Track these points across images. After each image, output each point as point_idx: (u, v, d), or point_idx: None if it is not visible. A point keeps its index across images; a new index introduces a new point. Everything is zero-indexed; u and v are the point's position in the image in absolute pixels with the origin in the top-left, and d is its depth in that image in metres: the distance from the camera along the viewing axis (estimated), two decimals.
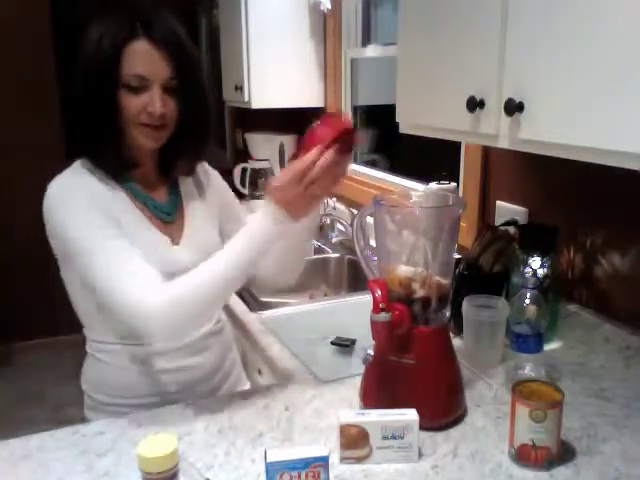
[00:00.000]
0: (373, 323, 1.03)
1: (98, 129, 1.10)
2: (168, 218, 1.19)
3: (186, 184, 1.26)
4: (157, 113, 1.08)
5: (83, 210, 1.08)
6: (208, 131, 1.22)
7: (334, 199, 2.45)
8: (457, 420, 1.09)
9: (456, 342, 1.38)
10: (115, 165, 1.13)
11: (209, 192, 1.29)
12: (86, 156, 1.13)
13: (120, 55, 1.05)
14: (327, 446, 0.89)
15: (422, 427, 0.98)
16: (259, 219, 1.06)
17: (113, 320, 1.16)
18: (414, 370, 1.06)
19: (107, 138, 1.11)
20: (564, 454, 0.99)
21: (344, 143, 1.05)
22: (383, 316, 1.02)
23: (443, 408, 1.09)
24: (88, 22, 1.10)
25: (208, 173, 1.32)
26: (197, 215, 1.24)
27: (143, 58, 1.06)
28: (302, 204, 1.06)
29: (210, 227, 1.27)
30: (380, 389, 1.10)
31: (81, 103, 1.09)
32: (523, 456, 0.97)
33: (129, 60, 1.06)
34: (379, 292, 1.02)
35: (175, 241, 1.18)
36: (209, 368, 1.26)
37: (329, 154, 1.03)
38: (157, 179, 1.22)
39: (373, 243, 1.12)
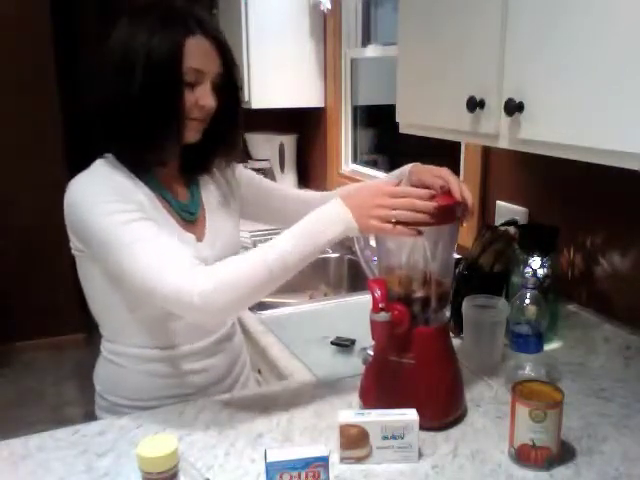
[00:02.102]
0: (373, 323, 1.03)
1: (150, 126, 1.07)
2: (191, 217, 1.19)
3: (206, 183, 1.26)
4: (210, 107, 1.09)
5: (110, 199, 1.05)
6: (239, 130, 1.23)
7: None
8: (457, 420, 1.09)
9: (456, 342, 1.38)
10: (149, 161, 1.12)
11: (228, 190, 1.30)
12: (117, 153, 1.12)
13: (181, 51, 1.05)
14: (327, 446, 0.89)
15: (422, 427, 0.98)
16: (324, 214, 1.02)
17: (130, 322, 1.16)
18: (414, 370, 1.06)
19: (157, 135, 1.08)
20: (564, 454, 0.99)
21: (446, 214, 1.02)
22: (383, 316, 1.02)
23: (443, 408, 1.09)
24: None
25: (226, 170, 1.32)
26: (218, 214, 1.25)
27: (200, 52, 1.07)
28: (368, 215, 0.99)
29: (230, 226, 1.27)
30: (380, 389, 1.10)
31: (135, 102, 1.05)
32: (523, 456, 0.97)
33: (188, 55, 1.05)
34: (379, 292, 1.02)
35: (198, 239, 1.19)
36: (222, 370, 1.27)
37: (428, 203, 0.98)
38: (179, 178, 1.22)
39: (373, 243, 1.12)
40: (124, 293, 1.13)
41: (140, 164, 1.12)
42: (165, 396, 1.19)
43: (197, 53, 1.07)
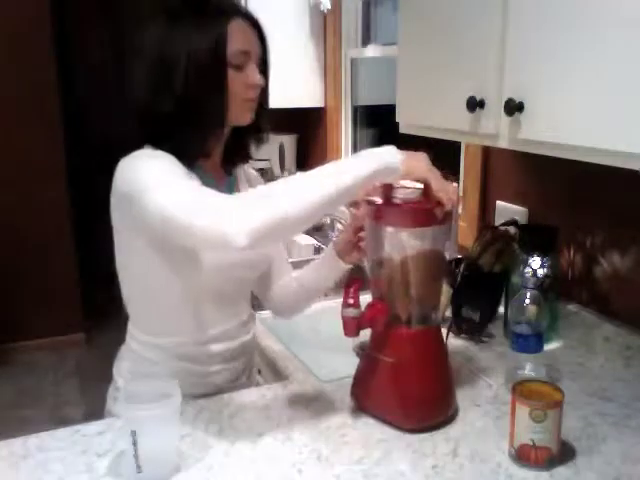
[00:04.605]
0: (342, 317, 1.05)
1: (204, 114, 1.07)
2: None
3: (238, 175, 1.26)
4: (259, 84, 1.10)
5: (162, 161, 1.04)
6: (267, 117, 1.22)
7: None
8: (445, 422, 1.08)
9: (456, 342, 1.39)
10: (198, 153, 1.11)
11: (253, 183, 1.30)
12: (172, 144, 1.09)
13: (225, 37, 1.05)
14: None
15: (404, 429, 0.99)
16: (372, 149, 1.01)
17: (172, 309, 1.15)
18: (394, 369, 1.06)
19: (207, 122, 1.08)
20: (564, 454, 0.99)
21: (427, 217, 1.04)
22: (351, 311, 1.04)
23: (419, 413, 1.07)
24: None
25: (245, 167, 1.32)
26: None
27: (244, 34, 1.08)
28: (420, 161, 1.02)
29: None
30: (365, 384, 1.10)
31: (188, 91, 1.05)
32: (523, 456, 0.96)
33: (232, 38, 1.06)
34: (352, 289, 1.04)
35: None
36: (238, 371, 1.27)
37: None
38: (220, 171, 1.21)
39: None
40: (171, 266, 1.10)
41: (190, 156, 1.10)
42: (189, 395, 1.15)
43: (241, 35, 1.08)
